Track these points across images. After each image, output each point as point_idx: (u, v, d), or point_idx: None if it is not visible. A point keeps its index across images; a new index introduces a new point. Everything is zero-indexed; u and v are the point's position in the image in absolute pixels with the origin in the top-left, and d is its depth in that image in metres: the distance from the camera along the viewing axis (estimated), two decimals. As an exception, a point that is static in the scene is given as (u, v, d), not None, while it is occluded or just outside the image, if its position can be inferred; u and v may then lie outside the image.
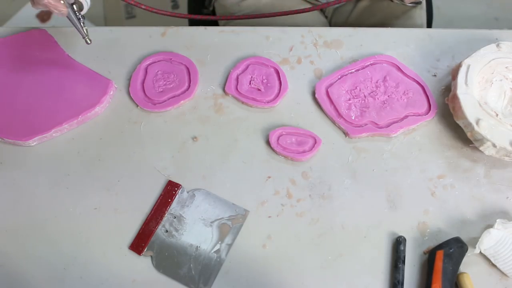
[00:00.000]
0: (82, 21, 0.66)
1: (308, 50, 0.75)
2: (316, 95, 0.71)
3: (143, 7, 0.76)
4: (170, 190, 0.65)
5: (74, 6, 0.64)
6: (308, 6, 0.78)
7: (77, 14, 0.65)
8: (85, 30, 0.67)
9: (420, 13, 0.93)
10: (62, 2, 0.62)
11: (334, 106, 0.70)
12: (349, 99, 0.70)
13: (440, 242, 0.60)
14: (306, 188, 0.65)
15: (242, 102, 0.71)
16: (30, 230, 0.63)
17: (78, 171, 0.67)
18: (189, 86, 0.72)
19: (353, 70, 0.72)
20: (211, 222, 0.63)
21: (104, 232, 0.63)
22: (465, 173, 0.66)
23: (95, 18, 1.64)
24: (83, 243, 0.62)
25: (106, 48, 0.76)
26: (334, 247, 0.62)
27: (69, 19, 0.65)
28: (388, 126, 0.68)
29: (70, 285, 0.60)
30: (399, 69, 0.72)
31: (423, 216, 0.63)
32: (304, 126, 0.69)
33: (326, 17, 0.97)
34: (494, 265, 0.60)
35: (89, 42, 0.67)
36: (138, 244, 0.62)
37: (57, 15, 0.63)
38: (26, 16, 1.64)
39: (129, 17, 1.69)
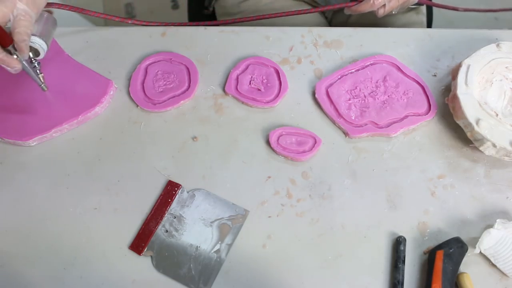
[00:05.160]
0: (38, 68, 0.65)
1: (308, 50, 0.75)
2: (316, 95, 0.71)
3: (130, 22, 0.75)
4: (170, 190, 0.65)
5: (30, 53, 0.62)
6: (307, 7, 0.78)
7: (34, 61, 0.64)
8: (41, 78, 0.66)
9: (420, 13, 0.93)
10: (15, 57, 0.59)
11: (334, 106, 0.70)
12: (349, 99, 0.70)
13: (440, 242, 0.60)
14: (306, 188, 0.65)
15: (242, 102, 0.71)
16: (30, 230, 0.63)
17: (78, 171, 0.67)
18: (189, 86, 0.72)
19: (353, 70, 0.72)
20: (211, 222, 0.63)
21: (104, 232, 0.63)
22: (465, 173, 0.66)
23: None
24: (83, 243, 0.62)
25: (106, 48, 0.76)
26: (334, 247, 0.62)
27: (24, 69, 0.62)
28: (388, 126, 0.68)
29: (70, 285, 0.60)
30: (399, 69, 0.72)
31: (423, 216, 0.63)
32: (304, 126, 0.69)
33: (326, 17, 0.97)
34: (494, 265, 0.60)
35: (45, 89, 0.67)
36: (138, 244, 0.62)
37: (10, 71, 0.60)
38: (26, 16, 1.64)
39: (129, 17, 1.69)
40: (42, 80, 0.66)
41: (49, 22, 0.65)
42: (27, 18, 0.58)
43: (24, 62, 0.61)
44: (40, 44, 0.62)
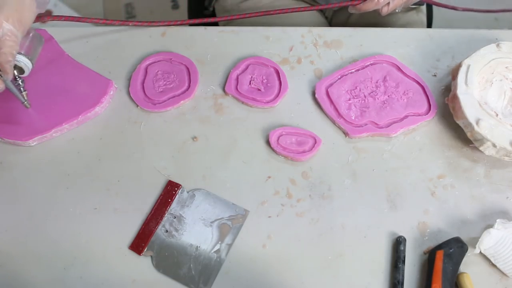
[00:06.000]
0: (22, 86, 0.65)
1: (308, 50, 0.75)
2: (316, 95, 0.71)
3: (130, 24, 0.74)
4: (170, 190, 0.65)
5: (15, 71, 0.62)
6: (307, 6, 0.78)
7: (18, 79, 0.64)
8: (24, 95, 0.66)
9: (420, 13, 0.93)
10: None
11: (334, 106, 0.70)
12: (349, 99, 0.70)
13: (440, 242, 0.60)
14: (306, 188, 0.65)
15: (242, 102, 0.71)
16: (30, 230, 0.63)
17: (78, 171, 0.67)
18: (189, 86, 0.72)
19: (353, 70, 0.72)
20: (211, 222, 0.63)
21: (104, 232, 0.63)
22: (465, 173, 0.66)
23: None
24: (83, 243, 0.62)
25: (106, 48, 0.76)
26: (334, 247, 0.62)
27: (8, 87, 0.62)
28: (388, 126, 0.68)
29: (70, 285, 0.60)
30: (399, 69, 0.72)
31: (423, 216, 0.63)
32: (304, 126, 0.69)
33: (326, 17, 0.97)
34: (494, 265, 0.60)
35: (28, 106, 0.67)
36: (138, 244, 0.62)
37: None
38: (26, 16, 1.64)
39: (129, 17, 1.69)
40: (25, 98, 0.66)
41: (35, 40, 0.65)
42: (12, 38, 0.58)
43: (8, 82, 0.61)
44: (25, 62, 0.63)
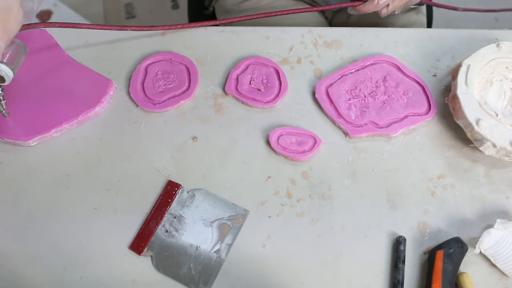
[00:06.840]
0: (2, 94, 0.65)
1: (308, 50, 0.75)
2: (316, 95, 0.71)
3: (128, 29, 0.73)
4: (170, 190, 0.65)
5: None
6: (307, 7, 0.78)
7: None
8: (3, 104, 0.66)
9: (420, 13, 0.93)
10: None
11: (334, 106, 0.70)
12: (349, 99, 0.70)
13: (440, 242, 0.60)
14: (306, 188, 0.65)
15: (242, 102, 0.71)
16: (30, 230, 0.63)
17: (78, 171, 0.67)
18: (189, 86, 0.72)
19: (353, 70, 0.72)
20: (211, 222, 0.63)
21: (104, 232, 0.63)
22: (465, 173, 0.66)
23: (95, 18, 1.64)
24: (83, 243, 0.62)
25: (106, 48, 0.76)
26: (334, 247, 0.62)
27: None
28: (388, 126, 0.68)
29: (70, 285, 0.60)
30: (399, 69, 0.72)
31: (423, 216, 0.63)
32: (304, 126, 0.69)
33: (326, 17, 0.97)
34: (494, 265, 0.60)
35: (6, 115, 0.67)
36: (138, 244, 0.62)
37: None
38: (26, 16, 1.64)
39: (129, 17, 1.69)
40: (4, 107, 0.66)
41: (19, 50, 0.64)
42: None
43: None
44: (6, 71, 0.62)
